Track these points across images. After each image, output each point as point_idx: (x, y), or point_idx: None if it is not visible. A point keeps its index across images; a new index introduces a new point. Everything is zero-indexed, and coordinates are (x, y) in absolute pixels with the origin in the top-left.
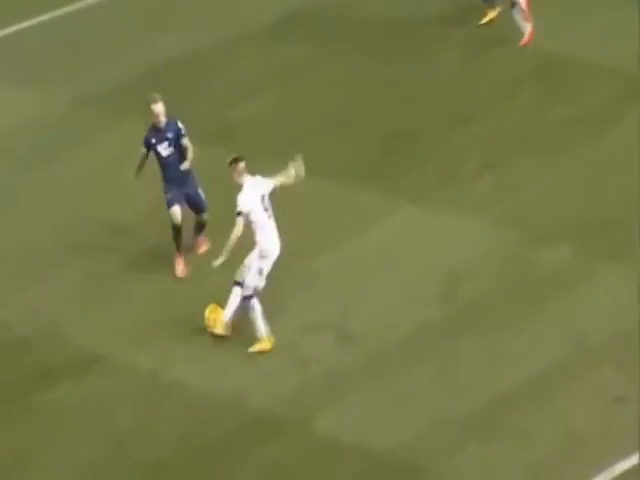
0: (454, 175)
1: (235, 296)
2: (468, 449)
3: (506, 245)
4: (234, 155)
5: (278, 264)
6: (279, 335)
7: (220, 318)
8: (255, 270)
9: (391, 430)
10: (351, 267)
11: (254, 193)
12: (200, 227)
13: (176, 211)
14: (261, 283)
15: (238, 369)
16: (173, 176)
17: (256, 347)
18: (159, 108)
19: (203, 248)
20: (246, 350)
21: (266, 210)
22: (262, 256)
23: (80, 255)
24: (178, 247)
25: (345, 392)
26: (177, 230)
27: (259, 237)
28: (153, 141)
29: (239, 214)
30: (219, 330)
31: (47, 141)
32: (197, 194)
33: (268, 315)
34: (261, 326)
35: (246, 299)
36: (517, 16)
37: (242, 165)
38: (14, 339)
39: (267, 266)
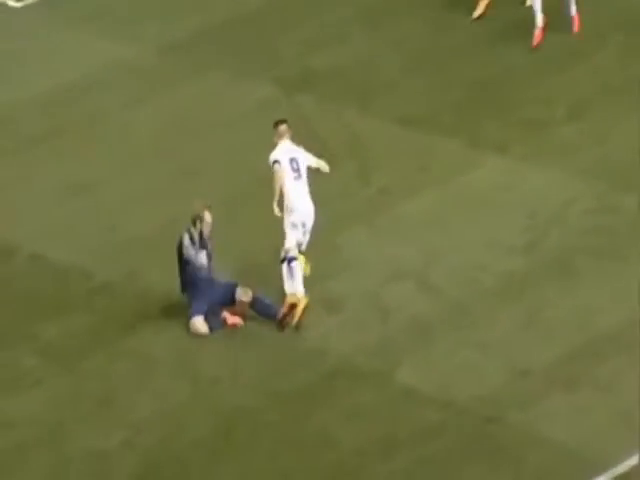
0: (540, 123)
1: (286, 271)
2: (552, 399)
3: (592, 194)
4: (279, 118)
5: (361, 211)
6: (362, 284)
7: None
8: (289, 227)
9: (474, 380)
10: (435, 215)
11: (284, 154)
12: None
13: None
14: (300, 236)
15: (320, 318)
16: None
17: (299, 309)
18: None
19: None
20: (329, 299)
21: (295, 171)
22: (289, 211)
23: (162, 193)
24: None
25: (427, 342)
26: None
27: (285, 193)
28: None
29: (273, 163)
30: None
31: (136, 86)
32: None
33: (350, 264)
34: (299, 286)
35: (290, 260)
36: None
37: (282, 128)
38: (97, 286)
39: (299, 219)
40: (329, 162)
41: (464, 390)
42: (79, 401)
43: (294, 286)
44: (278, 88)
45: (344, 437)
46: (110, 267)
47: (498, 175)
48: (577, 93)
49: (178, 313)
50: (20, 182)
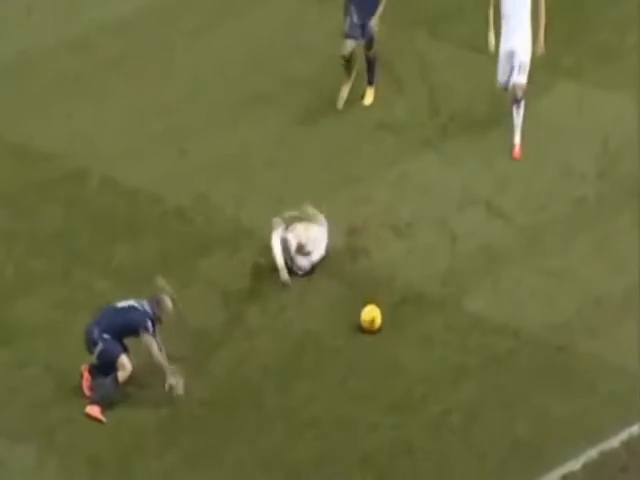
0: (614, 49)
1: None
2: (624, 327)
3: None
4: None
5: (431, 138)
6: (431, 211)
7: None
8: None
9: (544, 308)
10: (506, 142)
11: None
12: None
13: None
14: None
15: (389, 244)
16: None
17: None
18: None
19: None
20: (397, 225)
21: None
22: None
23: (233, 119)
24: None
25: (497, 269)
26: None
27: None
28: None
29: None
30: None
31: (206, 12)
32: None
33: (419, 191)
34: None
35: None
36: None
37: None
38: (168, 210)
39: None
40: (398, 88)
41: (535, 318)
42: None
43: None
44: None
45: (412, 364)
46: (181, 191)
47: (571, 101)
48: None
49: (247, 237)
50: (93, 106)
